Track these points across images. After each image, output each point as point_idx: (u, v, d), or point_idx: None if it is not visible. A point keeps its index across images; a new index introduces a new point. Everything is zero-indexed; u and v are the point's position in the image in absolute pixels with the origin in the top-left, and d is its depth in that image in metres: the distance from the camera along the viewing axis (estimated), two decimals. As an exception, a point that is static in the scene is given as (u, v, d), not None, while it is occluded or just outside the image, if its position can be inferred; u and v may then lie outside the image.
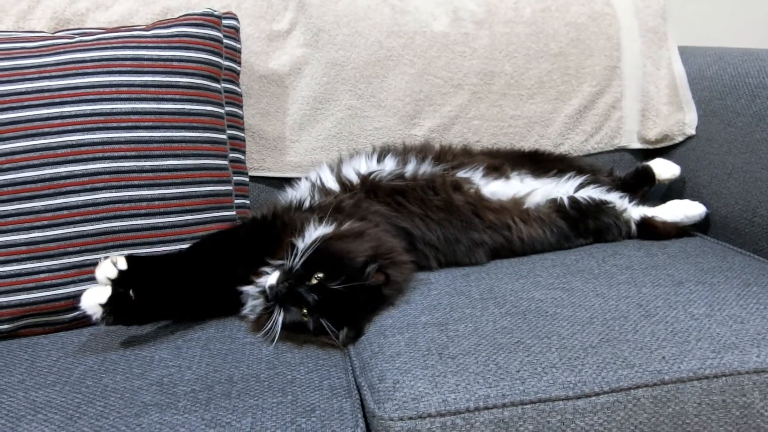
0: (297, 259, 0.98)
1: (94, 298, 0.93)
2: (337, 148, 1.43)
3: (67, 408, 0.83)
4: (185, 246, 1.09)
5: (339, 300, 0.95)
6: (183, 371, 0.90)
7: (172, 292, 1.01)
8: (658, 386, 0.82)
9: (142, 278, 0.98)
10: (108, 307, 0.93)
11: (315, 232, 1.04)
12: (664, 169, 1.42)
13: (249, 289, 1.03)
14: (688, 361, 0.84)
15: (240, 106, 1.29)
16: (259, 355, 0.94)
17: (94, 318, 0.94)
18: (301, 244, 1.01)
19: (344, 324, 0.96)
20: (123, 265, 0.96)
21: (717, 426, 0.83)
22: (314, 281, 0.96)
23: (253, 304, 1.03)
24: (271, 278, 0.98)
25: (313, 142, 1.43)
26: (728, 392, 0.83)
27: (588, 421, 0.81)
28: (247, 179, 1.29)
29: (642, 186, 1.41)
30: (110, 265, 0.95)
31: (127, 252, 1.06)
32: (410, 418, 0.78)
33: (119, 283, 0.95)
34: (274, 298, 0.97)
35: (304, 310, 0.96)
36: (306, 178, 1.27)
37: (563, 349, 0.87)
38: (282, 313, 0.97)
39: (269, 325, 0.97)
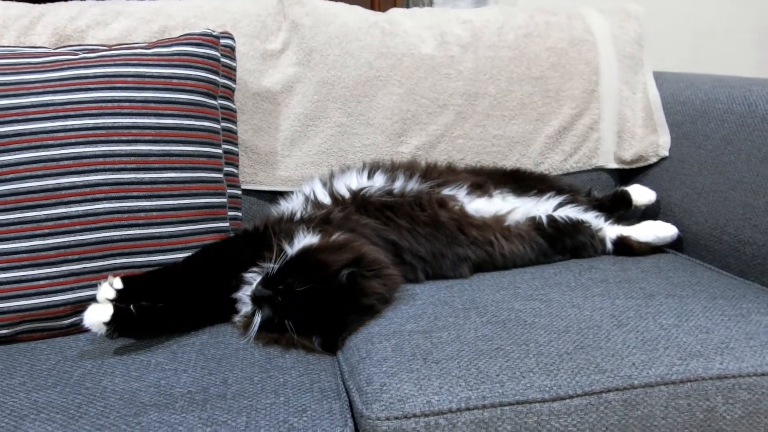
0: (278, 264, 1.04)
1: (97, 317, 0.98)
2: (327, 163, 1.48)
3: (68, 408, 0.86)
4: (181, 257, 1.13)
5: (305, 303, 1.01)
6: (179, 374, 0.94)
7: (170, 304, 1.05)
8: (628, 390, 0.88)
9: (140, 293, 1.02)
10: (111, 324, 0.98)
11: (303, 240, 1.09)
12: (641, 195, 1.49)
13: (241, 294, 1.08)
14: (656, 368, 0.90)
15: (234, 122, 1.34)
16: (252, 359, 0.99)
17: (99, 335, 0.99)
18: (290, 250, 1.07)
19: (313, 326, 1.02)
20: (119, 285, 1.01)
21: (682, 428, 0.89)
22: (286, 284, 1.02)
23: (245, 310, 1.08)
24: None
25: (303, 157, 1.48)
26: (693, 396, 0.89)
27: (563, 422, 0.86)
28: (240, 192, 1.34)
29: (619, 209, 1.47)
30: (108, 287, 1.01)
31: (123, 261, 1.11)
32: (396, 418, 0.83)
33: (119, 300, 1.00)
34: (252, 298, 1.03)
35: (272, 310, 1.01)
36: (299, 192, 1.32)
37: (540, 355, 0.92)
38: (260, 314, 1.02)
39: (251, 325, 1.03)
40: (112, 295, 1.00)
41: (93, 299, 1.03)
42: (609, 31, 1.66)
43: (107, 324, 0.98)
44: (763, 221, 1.23)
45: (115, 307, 0.99)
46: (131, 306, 1.00)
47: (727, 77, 1.49)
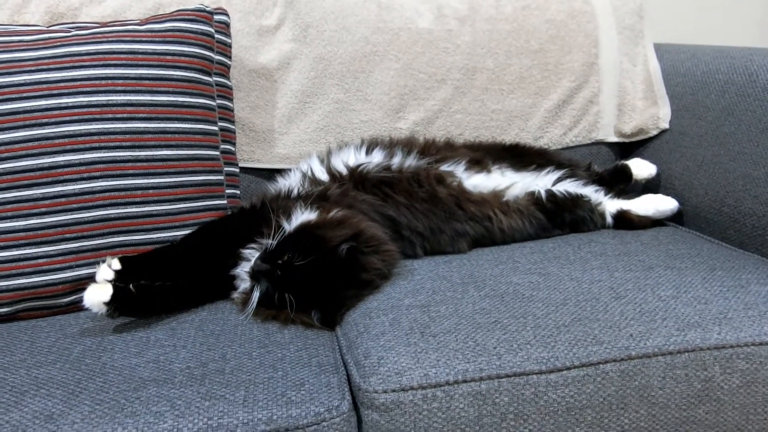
0: (276, 240, 1.04)
1: (97, 297, 0.98)
2: (325, 140, 1.48)
3: (68, 384, 0.87)
4: (179, 235, 1.14)
5: (304, 277, 1.01)
6: (178, 350, 0.94)
7: (169, 282, 1.05)
8: (626, 361, 0.88)
9: (139, 273, 1.03)
10: (112, 304, 0.99)
11: (301, 216, 1.09)
12: (642, 169, 1.48)
13: (239, 270, 1.08)
14: (653, 338, 0.90)
15: (230, 99, 1.33)
16: (251, 335, 0.99)
17: (99, 314, 0.99)
18: (288, 226, 1.07)
19: (312, 301, 1.02)
20: (117, 265, 1.01)
21: (680, 398, 0.89)
22: (285, 258, 1.02)
23: (243, 286, 1.08)
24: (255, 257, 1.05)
25: (301, 134, 1.47)
26: (690, 367, 0.89)
27: (560, 394, 0.86)
28: (238, 170, 1.34)
29: (619, 183, 1.47)
30: (106, 268, 1.01)
31: (120, 239, 1.11)
32: (393, 391, 0.84)
33: (118, 280, 1.00)
34: (250, 273, 1.03)
35: (271, 284, 1.02)
36: (297, 169, 1.31)
37: (538, 327, 0.92)
38: (258, 289, 1.02)
39: (250, 301, 1.03)
40: (111, 275, 1.00)
41: (92, 277, 1.03)
42: (609, 2, 1.64)
43: (107, 304, 0.98)
44: (764, 192, 1.23)
45: (115, 287, 0.99)
46: (130, 285, 1.01)
47: (728, 48, 1.47)
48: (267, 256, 1.03)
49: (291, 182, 1.27)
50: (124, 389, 0.85)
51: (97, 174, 1.10)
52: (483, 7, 1.57)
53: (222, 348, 0.95)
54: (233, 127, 1.34)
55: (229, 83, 1.33)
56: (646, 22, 1.66)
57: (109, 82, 1.12)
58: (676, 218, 1.41)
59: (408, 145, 1.35)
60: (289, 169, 1.34)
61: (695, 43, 1.65)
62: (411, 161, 1.30)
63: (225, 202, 1.23)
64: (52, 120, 1.08)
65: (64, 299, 1.11)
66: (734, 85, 1.34)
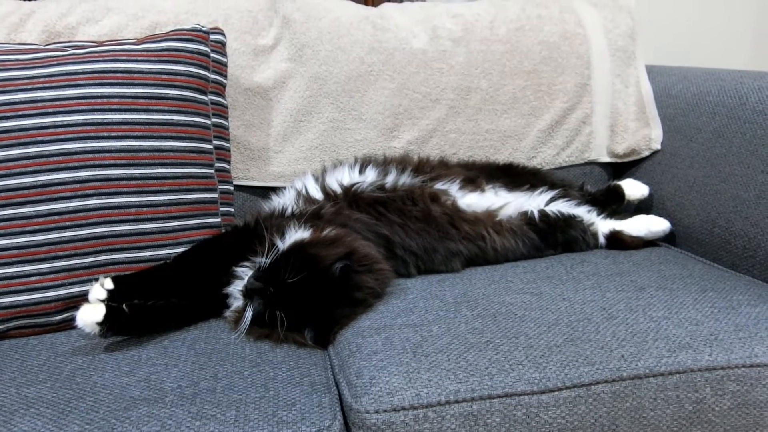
0: (269, 258, 1.04)
1: (90, 317, 0.98)
2: (320, 158, 1.48)
3: (58, 403, 0.86)
4: (172, 253, 1.14)
5: (297, 295, 1.01)
6: (169, 369, 0.94)
7: (162, 301, 1.05)
8: (617, 382, 0.88)
9: (132, 292, 1.03)
10: (104, 324, 0.99)
11: (294, 235, 1.10)
12: (634, 189, 1.49)
13: (232, 288, 1.08)
14: (645, 359, 0.90)
15: (226, 118, 1.34)
16: (243, 354, 0.99)
17: (92, 334, 0.99)
18: (281, 244, 1.07)
19: (305, 320, 1.02)
20: (110, 285, 1.01)
21: (671, 420, 0.89)
22: (279, 277, 1.02)
23: (236, 304, 1.08)
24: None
25: (296, 152, 1.48)
26: (682, 388, 0.89)
27: (551, 415, 0.86)
28: (232, 188, 1.34)
29: (611, 203, 1.47)
30: (98, 287, 1.01)
31: (113, 257, 1.11)
32: (385, 411, 0.83)
33: (111, 300, 1.00)
34: (243, 291, 1.04)
35: (264, 303, 1.02)
36: (291, 187, 1.32)
37: (530, 348, 0.92)
38: (251, 308, 1.03)
39: (242, 320, 1.03)
40: (104, 295, 1.00)
41: (84, 295, 1.03)
42: (601, 24, 1.66)
43: (100, 324, 0.98)
44: (754, 213, 1.24)
45: (107, 307, 0.99)
46: (123, 305, 1.01)
47: (719, 70, 1.49)
48: (260, 275, 1.03)
49: (285, 200, 1.27)
50: (115, 409, 0.84)
51: (91, 192, 1.10)
52: (477, 29, 1.59)
53: (214, 367, 0.94)
54: (228, 145, 1.34)
55: (225, 102, 1.34)
56: (638, 43, 1.68)
57: (105, 100, 1.13)
58: (668, 239, 1.42)
59: (402, 163, 1.36)
60: (284, 188, 1.35)
61: (687, 65, 1.67)
62: (405, 179, 1.31)
63: (219, 220, 1.24)
64: (48, 138, 1.09)
65: (56, 317, 1.10)
66: (725, 107, 1.36)
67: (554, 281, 1.16)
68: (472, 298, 1.09)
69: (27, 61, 1.15)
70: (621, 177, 1.62)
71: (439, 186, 1.32)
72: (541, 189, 1.40)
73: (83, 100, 1.12)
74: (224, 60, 1.33)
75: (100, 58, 1.16)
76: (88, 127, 1.11)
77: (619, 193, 1.48)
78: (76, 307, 1.00)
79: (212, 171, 1.24)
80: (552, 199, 1.39)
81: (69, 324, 1.09)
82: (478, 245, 1.28)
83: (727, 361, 0.91)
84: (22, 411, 0.85)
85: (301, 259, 1.03)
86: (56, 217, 1.08)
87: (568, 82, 1.60)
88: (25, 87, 1.11)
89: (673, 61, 1.78)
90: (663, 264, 1.24)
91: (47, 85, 1.12)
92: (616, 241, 1.37)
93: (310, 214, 1.17)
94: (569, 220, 1.36)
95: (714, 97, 1.40)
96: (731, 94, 1.35)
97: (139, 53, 1.19)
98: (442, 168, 1.39)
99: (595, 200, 1.46)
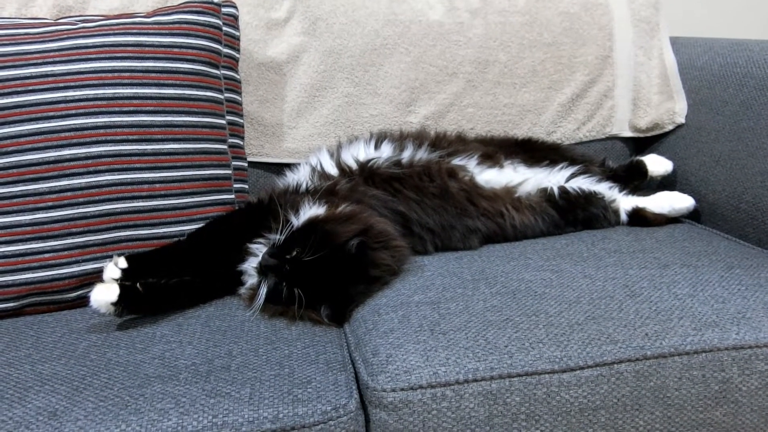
0: (284, 235, 1.02)
1: (104, 297, 0.97)
2: (335, 134, 1.46)
3: (72, 379, 0.86)
4: (186, 230, 1.12)
5: (313, 272, 0.99)
6: (184, 346, 0.93)
7: (176, 279, 1.04)
8: (641, 361, 0.86)
9: (146, 271, 1.02)
10: (119, 304, 0.98)
11: (309, 211, 1.08)
12: (657, 165, 1.45)
13: (246, 265, 1.06)
14: (669, 338, 0.88)
15: (239, 93, 1.31)
16: (258, 331, 0.97)
17: (107, 315, 0.98)
18: (296, 221, 1.05)
19: (321, 297, 1.00)
20: (123, 264, 1.00)
21: (696, 399, 0.87)
22: (294, 254, 1.00)
23: (250, 281, 1.06)
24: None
25: (310, 128, 1.46)
26: (708, 367, 0.87)
27: (573, 394, 0.84)
28: (246, 164, 1.32)
29: (633, 179, 1.44)
30: (113, 267, 1.00)
31: (127, 233, 1.10)
32: (402, 390, 0.82)
33: (125, 279, 0.99)
34: (258, 268, 1.02)
35: (279, 280, 1.00)
36: (306, 163, 1.29)
37: (550, 326, 0.90)
38: (266, 285, 1.01)
39: (257, 297, 1.02)
40: (118, 274, 0.99)
41: (99, 272, 1.02)
42: (624, -6, 1.61)
43: (114, 304, 0.97)
44: (783, 188, 1.20)
45: (121, 287, 0.98)
46: (137, 284, 1.00)
47: (746, 41, 1.44)
48: (275, 251, 1.02)
49: (300, 177, 1.25)
50: (129, 386, 0.84)
51: (104, 168, 1.08)
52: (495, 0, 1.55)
53: (228, 344, 0.93)
54: (242, 120, 1.32)
55: (238, 76, 1.31)
56: (662, 14, 1.62)
57: (116, 74, 1.11)
58: (692, 215, 1.38)
59: (418, 138, 1.33)
60: (299, 164, 1.32)
61: (711, 36, 1.61)
62: (422, 155, 1.28)
63: (233, 196, 1.22)
64: (58, 113, 1.07)
65: (71, 294, 1.10)
66: (753, 79, 1.31)
67: (575, 258, 1.13)
68: (491, 276, 1.07)
69: (37, 35, 1.13)
70: (643, 152, 1.58)
71: (457, 161, 1.29)
72: (561, 165, 1.37)
73: (94, 75, 1.10)
74: (237, 33, 1.31)
75: (111, 32, 1.14)
76: (99, 102, 1.09)
77: (641, 168, 1.44)
78: (91, 284, 0.99)
79: (225, 147, 1.22)
80: (572, 175, 1.36)
81: (84, 301, 1.07)
82: (497, 222, 1.26)
83: (756, 340, 0.88)
84: (37, 387, 0.84)
85: (316, 236, 1.01)
86: (69, 194, 1.07)
87: (589, 54, 1.56)
88: (35, 61, 1.09)
89: (698, 32, 1.73)
90: (687, 241, 1.21)
91: (57, 59, 1.10)
92: (639, 218, 1.33)
93: (325, 190, 1.15)
94: (590, 197, 1.33)
95: (742, 68, 1.35)
96: (761, 65, 1.30)
97: (150, 26, 1.16)
98: (460, 143, 1.36)
99: (616, 176, 1.42)
